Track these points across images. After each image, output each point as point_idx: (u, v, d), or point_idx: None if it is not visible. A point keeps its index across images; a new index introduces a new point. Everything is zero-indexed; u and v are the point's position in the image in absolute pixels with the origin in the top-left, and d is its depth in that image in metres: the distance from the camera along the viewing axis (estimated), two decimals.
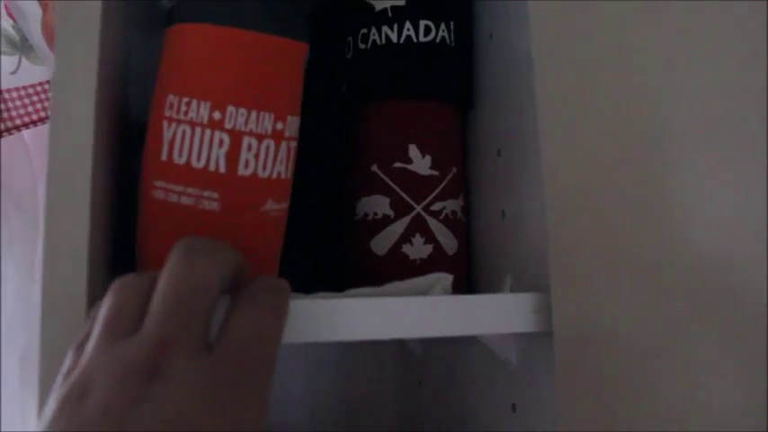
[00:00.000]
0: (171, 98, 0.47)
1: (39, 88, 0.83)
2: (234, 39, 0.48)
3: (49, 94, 0.81)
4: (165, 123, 0.47)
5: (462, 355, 0.66)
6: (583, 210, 0.51)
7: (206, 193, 0.46)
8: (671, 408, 0.51)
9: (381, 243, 0.59)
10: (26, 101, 0.82)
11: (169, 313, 0.35)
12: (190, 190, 0.46)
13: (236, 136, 0.46)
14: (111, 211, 0.50)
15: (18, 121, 0.80)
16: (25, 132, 0.82)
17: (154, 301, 0.36)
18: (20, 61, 0.84)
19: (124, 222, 0.52)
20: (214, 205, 0.46)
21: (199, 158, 0.46)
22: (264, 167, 0.47)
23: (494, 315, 0.48)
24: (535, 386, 0.53)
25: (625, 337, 0.50)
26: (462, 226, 0.62)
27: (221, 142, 0.46)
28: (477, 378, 0.63)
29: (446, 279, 0.49)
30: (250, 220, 0.47)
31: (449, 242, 0.60)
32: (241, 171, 0.46)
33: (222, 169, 0.46)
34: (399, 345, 0.88)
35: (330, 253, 0.64)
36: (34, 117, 0.81)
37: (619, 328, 0.50)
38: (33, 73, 0.85)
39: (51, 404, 0.34)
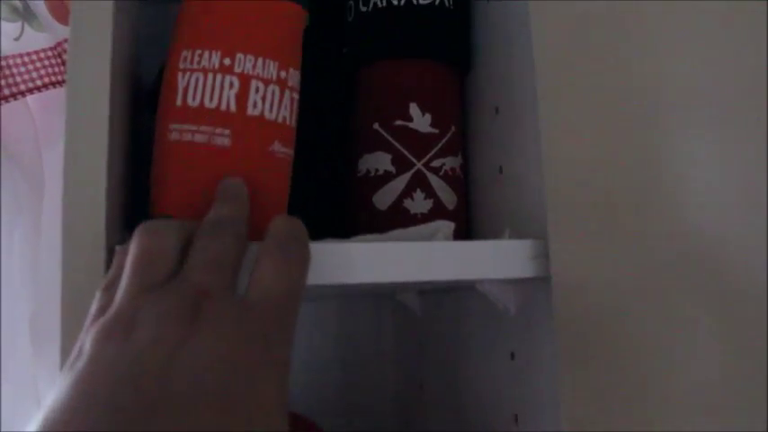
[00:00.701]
0: (185, 53, 0.51)
1: (42, 54, 0.84)
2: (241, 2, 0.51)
3: (63, 57, 0.82)
4: (180, 75, 0.50)
5: (461, 309, 0.68)
6: (578, 165, 0.53)
7: (218, 130, 0.49)
8: (667, 351, 0.53)
9: (383, 198, 0.61)
10: (30, 67, 0.83)
11: (209, 263, 0.38)
12: (203, 128, 0.49)
13: (244, 79, 0.50)
14: (126, 162, 0.51)
15: (22, 87, 0.81)
16: (30, 100, 0.83)
17: (194, 249, 0.38)
18: (23, 28, 0.85)
19: (136, 177, 0.54)
20: (226, 141, 0.49)
21: (211, 99, 0.49)
22: (271, 109, 0.51)
23: (493, 260, 0.50)
24: (533, 334, 0.55)
25: (621, 283, 0.52)
26: (461, 182, 0.64)
27: (231, 84, 0.49)
28: (476, 329, 0.65)
29: (447, 227, 0.51)
30: (259, 158, 0.50)
31: (448, 197, 0.62)
32: (250, 111, 0.50)
33: (233, 108, 0.49)
34: (399, 306, 0.90)
35: (334, 208, 0.66)
36: (38, 83, 0.82)
37: (615, 275, 0.52)
38: (36, 40, 0.85)
39: (88, 342, 0.35)
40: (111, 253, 0.44)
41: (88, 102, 0.45)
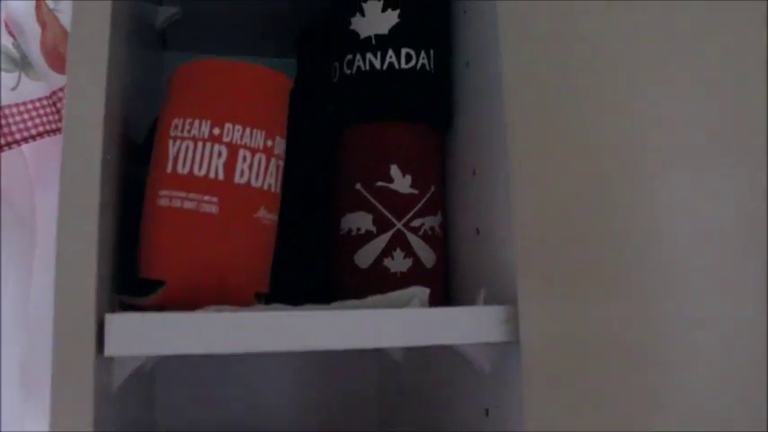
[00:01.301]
0: (176, 121, 0.53)
1: (38, 104, 0.87)
2: (231, 70, 0.53)
3: (57, 106, 0.84)
4: (171, 142, 0.53)
5: (440, 363, 0.71)
6: (550, 228, 0.55)
7: (206, 198, 0.51)
8: (633, 407, 0.55)
9: (364, 257, 0.63)
10: (25, 116, 0.85)
11: None
12: (192, 195, 0.52)
13: (232, 148, 0.53)
14: (116, 229, 0.53)
15: (18, 136, 0.83)
16: (24, 147, 0.85)
17: None
18: (19, 78, 0.87)
19: (126, 234, 0.56)
20: (213, 209, 0.51)
21: (200, 168, 0.52)
22: (257, 177, 0.53)
23: (466, 326, 0.52)
24: (506, 392, 0.57)
25: (589, 346, 0.54)
26: (440, 240, 0.67)
27: (220, 153, 0.52)
28: (454, 385, 0.67)
29: (423, 293, 0.53)
30: (245, 224, 0.53)
31: (427, 256, 0.64)
32: (237, 179, 0.53)
33: (221, 177, 0.52)
34: (381, 353, 0.92)
35: (317, 266, 0.68)
36: (33, 132, 0.85)
37: (584, 337, 0.54)
38: (32, 89, 0.88)
39: None
40: (100, 323, 0.46)
41: (81, 154, 0.46)
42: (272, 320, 0.48)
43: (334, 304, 0.52)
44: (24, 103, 0.86)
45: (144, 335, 0.46)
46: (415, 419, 0.79)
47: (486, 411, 0.60)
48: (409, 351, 0.81)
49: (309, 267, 0.68)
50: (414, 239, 0.64)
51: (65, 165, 0.47)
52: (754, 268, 0.59)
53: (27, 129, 0.84)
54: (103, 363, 0.48)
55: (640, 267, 0.57)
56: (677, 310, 0.57)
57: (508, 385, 0.56)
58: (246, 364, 0.91)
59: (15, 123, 0.84)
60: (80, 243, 0.46)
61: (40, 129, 0.85)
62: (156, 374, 0.88)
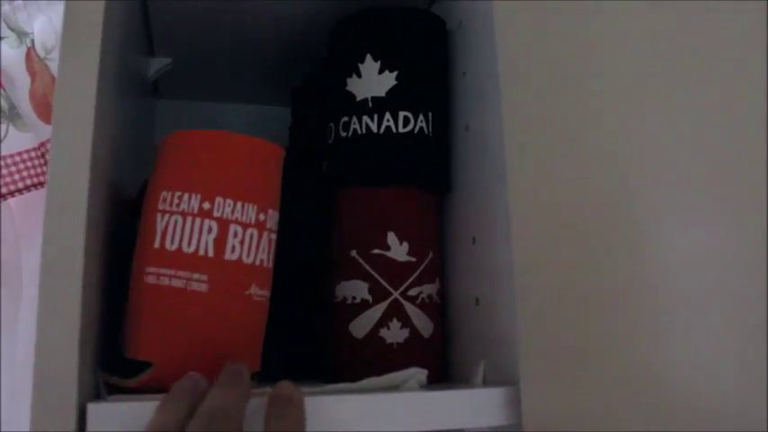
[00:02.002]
0: (164, 194, 0.51)
1: (25, 156, 0.85)
2: (223, 142, 0.52)
3: (46, 158, 0.82)
4: (159, 216, 0.51)
5: None
6: (554, 300, 0.54)
7: (195, 276, 0.49)
8: None
9: (360, 327, 0.61)
10: (12, 168, 0.83)
11: None
12: (180, 273, 0.49)
13: (223, 223, 0.50)
14: (101, 297, 0.51)
15: (4, 190, 0.81)
16: (11, 200, 0.83)
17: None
18: (7, 129, 0.85)
19: (112, 308, 0.54)
20: (203, 287, 0.49)
21: (189, 244, 0.50)
22: (249, 253, 0.51)
23: (465, 409, 0.50)
24: None
25: (596, 424, 0.52)
26: (438, 309, 0.65)
27: (210, 229, 0.50)
28: None
29: (420, 374, 0.51)
30: (236, 303, 0.51)
31: (425, 325, 0.62)
32: (228, 255, 0.50)
33: (211, 253, 0.50)
34: None
35: (311, 334, 0.66)
36: (20, 186, 0.83)
37: (589, 421, 0.52)
38: (20, 140, 0.86)
39: None
40: (82, 411, 0.43)
41: (66, 212, 0.44)
42: (263, 407, 0.46)
43: (326, 388, 0.50)
44: (12, 156, 0.84)
45: (126, 423, 0.44)
46: None
47: None
48: None
49: (302, 338, 0.66)
50: (411, 309, 0.62)
51: (48, 228, 0.45)
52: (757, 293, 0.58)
53: (14, 182, 0.83)
54: None
55: (651, 344, 0.55)
56: (687, 391, 0.56)
57: None
58: None
59: (2, 177, 0.82)
60: (62, 327, 0.44)
61: (27, 182, 0.83)
62: None
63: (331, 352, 0.63)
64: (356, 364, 0.60)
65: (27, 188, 0.83)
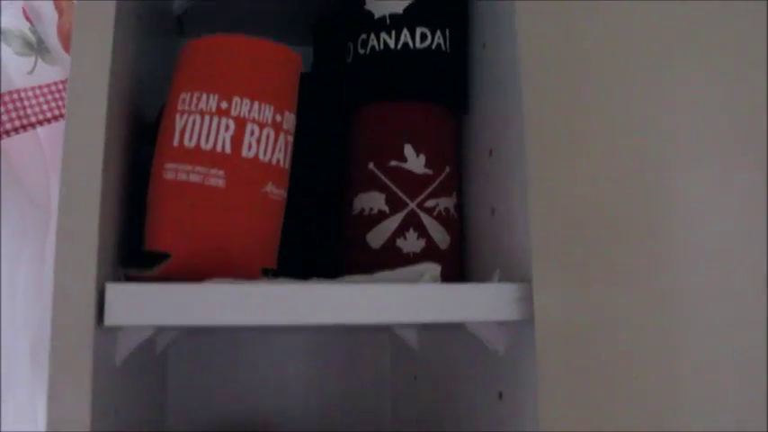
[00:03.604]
0: (183, 95, 0.53)
1: (53, 88, 0.87)
2: (240, 45, 0.53)
3: (65, 93, 0.84)
4: (178, 116, 0.52)
5: (454, 346, 0.69)
6: (566, 207, 0.54)
7: (213, 171, 0.51)
8: (648, 396, 0.53)
9: (376, 237, 0.62)
10: (41, 99, 0.85)
11: None
12: (198, 168, 0.51)
13: (240, 122, 0.52)
14: (123, 194, 0.53)
15: (33, 119, 0.83)
16: (40, 130, 0.85)
17: None
18: (36, 62, 0.87)
19: (135, 212, 0.55)
20: (220, 182, 0.50)
21: (207, 141, 0.51)
22: (265, 152, 0.52)
23: (479, 303, 0.51)
24: (521, 374, 0.55)
25: (605, 328, 0.53)
26: (455, 222, 0.65)
27: (227, 127, 0.51)
28: (467, 367, 0.65)
29: (434, 269, 0.52)
30: (252, 199, 0.52)
31: (441, 237, 0.63)
32: (245, 153, 0.52)
33: (228, 150, 0.51)
34: (396, 339, 0.90)
35: (328, 246, 0.67)
36: (48, 115, 0.84)
37: (599, 319, 0.52)
38: (48, 73, 0.88)
39: None
40: (101, 295, 0.45)
41: (85, 134, 0.46)
42: (279, 293, 0.47)
43: (342, 278, 0.51)
44: (40, 87, 0.86)
45: (145, 305, 0.45)
46: (429, 405, 0.77)
47: (500, 394, 0.58)
48: (424, 336, 0.80)
49: (319, 247, 0.67)
50: (427, 220, 0.62)
51: (68, 134, 0.46)
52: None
53: (42, 112, 0.84)
54: (104, 333, 0.47)
55: (659, 251, 0.55)
56: (693, 295, 0.55)
57: (522, 368, 0.55)
58: (260, 349, 0.90)
59: (31, 106, 0.84)
60: (82, 212, 0.45)
61: (56, 112, 0.85)
62: (167, 358, 0.87)
63: (348, 262, 0.64)
64: (371, 271, 0.61)
65: (55, 118, 0.85)
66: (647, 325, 0.54)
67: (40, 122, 0.83)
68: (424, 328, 0.78)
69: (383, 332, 0.93)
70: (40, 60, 0.88)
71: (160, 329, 0.52)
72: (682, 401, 0.54)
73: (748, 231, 0.58)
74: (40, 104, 0.84)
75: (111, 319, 0.45)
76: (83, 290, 0.44)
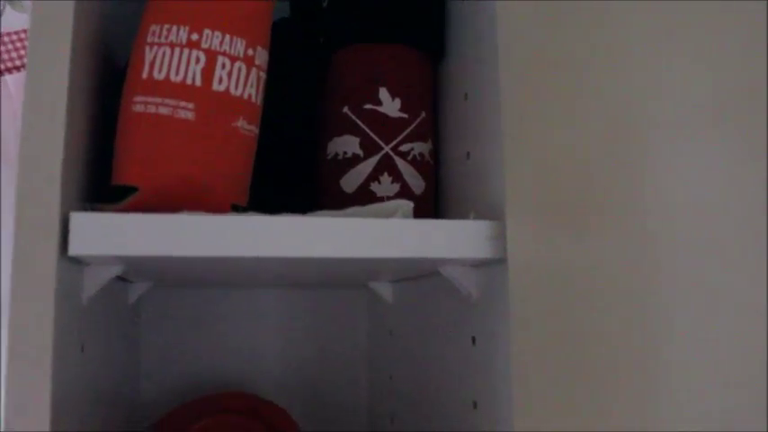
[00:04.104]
0: (153, 27, 0.51)
1: (22, 35, 0.85)
2: None
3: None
4: (147, 48, 0.51)
5: (428, 296, 0.69)
6: (541, 151, 0.53)
7: (182, 104, 0.49)
8: (620, 341, 0.53)
9: (350, 181, 0.61)
10: (9, 47, 0.83)
11: None
12: (168, 101, 0.49)
13: (211, 54, 0.50)
14: (89, 141, 0.51)
15: (1, 66, 0.81)
16: (9, 80, 0.83)
17: None
18: (3, 8, 0.85)
19: (104, 155, 0.54)
20: (189, 115, 0.49)
21: (177, 73, 0.50)
22: (237, 86, 0.51)
23: (453, 240, 0.50)
24: (494, 318, 0.55)
25: (578, 274, 0.52)
26: (430, 168, 0.64)
27: (198, 59, 0.50)
28: (441, 315, 0.65)
29: (407, 206, 0.51)
30: (222, 133, 0.51)
31: (416, 182, 0.62)
32: (215, 86, 0.50)
33: (198, 83, 0.50)
34: (371, 295, 0.90)
35: (301, 188, 0.66)
36: (17, 63, 0.83)
37: (572, 265, 0.52)
38: (18, 21, 0.86)
39: None
40: (65, 223, 0.44)
41: (47, 77, 0.45)
42: (249, 224, 0.46)
43: (313, 213, 0.50)
44: (8, 34, 0.84)
45: (110, 234, 0.44)
46: (404, 360, 0.77)
47: (473, 339, 0.58)
48: (398, 291, 0.80)
49: (291, 188, 0.66)
50: (402, 164, 0.61)
51: (32, 61, 0.45)
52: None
53: (11, 59, 0.82)
54: (70, 268, 0.46)
55: (634, 200, 0.55)
56: (669, 246, 0.55)
57: (495, 312, 0.55)
58: (234, 307, 0.90)
59: (0, 53, 0.82)
60: (45, 139, 0.44)
61: (25, 60, 0.83)
62: (140, 314, 0.86)
63: (320, 206, 0.63)
64: None
65: (24, 66, 0.82)
66: (621, 273, 0.53)
67: (9, 70, 0.81)
68: (399, 279, 0.78)
69: (358, 289, 0.93)
70: (9, 7, 0.86)
71: (127, 265, 0.50)
72: (655, 346, 0.54)
73: (730, 184, 0.57)
74: (8, 52, 0.82)
75: (75, 248, 0.44)
76: (46, 218, 0.43)
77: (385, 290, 0.82)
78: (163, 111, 0.49)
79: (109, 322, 0.63)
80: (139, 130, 0.50)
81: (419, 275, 0.71)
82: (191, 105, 0.49)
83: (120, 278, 0.68)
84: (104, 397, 0.61)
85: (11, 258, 0.44)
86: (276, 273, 0.67)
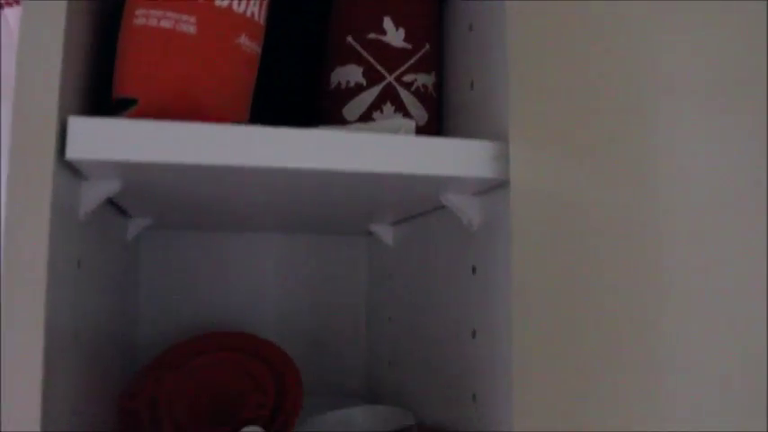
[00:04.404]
0: None
1: None
2: None
3: None
4: None
5: (428, 231, 0.68)
6: (546, 79, 0.52)
7: (184, 17, 0.48)
8: (622, 273, 0.53)
9: (353, 110, 0.60)
10: None
11: None
12: (169, 14, 0.48)
13: None
14: (90, 52, 0.51)
15: (2, 1, 0.80)
16: (8, 12, 0.82)
17: None
18: None
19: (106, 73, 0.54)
20: (191, 29, 0.48)
21: None
22: (239, 3, 0.50)
23: (456, 157, 0.49)
24: (494, 247, 0.54)
25: (579, 204, 0.52)
26: (433, 101, 0.64)
27: None
28: (441, 247, 0.65)
29: (409, 124, 0.51)
30: (224, 49, 0.50)
31: (419, 113, 0.61)
32: (218, 1, 0.49)
33: None
34: (372, 241, 0.90)
35: (303, 119, 0.65)
36: None
37: (574, 195, 0.51)
38: None
39: None
40: (63, 127, 0.43)
41: None
42: (251, 134, 0.45)
43: (316, 127, 0.49)
44: None
45: (109, 139, 0.43)
46: (404, 300, 0.77)
47: (474, 269, 0.58)
48: (399, 234, 0.79)
49: (293, 115, 0.65)
50: (405, 94, 0.61)
51: None
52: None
53: None
54: (67, 178, 0.46)
55: (641, 133, 0.54)
56: (675, 178, 0.54)
57: (495, 241, 0.54)
58: (235, 249, 0.89)
59: None
60: (44, 45, 0.43)
61: None
62: (139, 255, 0.85)
63: None
64: None
65: None
66: (623, 202, 0.53)
67: (9, 4, 0.80)
68: (399, 221, 0.77)
69: (358, 236, 0.92)
70: None
71: (125, 182, 0.50)
72: (658, 282, 0.53)
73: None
74: None
75: (72, 152, 0.43)
76: (43, 121, 0.42)
77: (385, 233, 0.81)
78: (164, 24, 0.48)
79: (107, 249, 0.62)
80: (141, 43, 0.49)
81: (419, 213, 0.70)
82: (193, 19, 0.48)
83: (119, 210, 0.68)
84: (102, 318, 0.61)
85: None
86: (276, 206, 0.66)
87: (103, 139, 0.43)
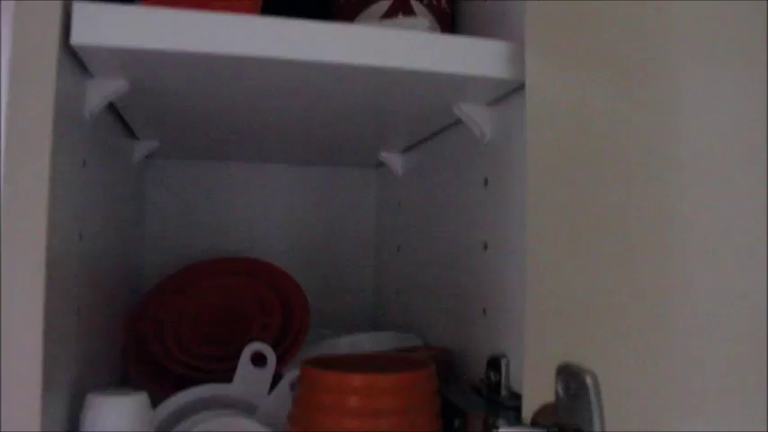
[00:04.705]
0: None
1: None
2: None
3: None
4: None
5: (439, 149, 0.67)
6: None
7: None
8: (635, 194, 0.51)
9: (366, 20, 0.59)
10: None
11: None
12: None
13: None
14: None
15: None
16: None
17: None
18: None
19: None
20: None
21: None
22: None
23: (472, 55, 0.48)
24: (507, 158, 0.53)
25: (596, 118, 0.50)
26: (446, 16, 0.62)
27: None
28: (453, 161, 0.64)
29: (422, 25, 0.49)
30: None
31: (432, 26, 0.60)
32: None
33: None
34: (381, 174, 0.89)
35: None
36: None
37: (589, 98, 0.50)
38: None
39: None
40: (68, 12, 0.42)
41: None
42: (263, 24, 0.44)
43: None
44: None
45: (113, 25, 0.42)
46: (413, 228, 0.76)
47: (486, 181, 0.57)
48: (408, 162, 0.78)
49: None
50: (417, 6, 0.59)
51: None
52: None
53: None
54: (72, 73, 0.45)
55: (665, 47, 0.53)
56: (695, 99, 0.53)
57: (509, 151, 0.53)
58: (243, 179, 0.89)
59: None
60: None
61: None
62: (147, 180, 0.85)
63: None
64: None
65: None
66: (642, 121, 0.51)
67: None
68: (409, 148, 0.76)
69: (367, 167, 0.91)
70: None
71: (130, 81, 0.48)
72: (674, 197, 0.52)
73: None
74: None
75: (77, 37, 0.42)
76: (47, 6, 0.41)
77: (395, 161, 0.80)
78: None
79: (114, 162, 0.62)
80: None
81: (429, 136, 0.69)
82: None
83: (127, 131, 0.67)
84: (107, 226, 0.60)
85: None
86: (286, 132, 0.65)
87: (109, 25, 0.42)
